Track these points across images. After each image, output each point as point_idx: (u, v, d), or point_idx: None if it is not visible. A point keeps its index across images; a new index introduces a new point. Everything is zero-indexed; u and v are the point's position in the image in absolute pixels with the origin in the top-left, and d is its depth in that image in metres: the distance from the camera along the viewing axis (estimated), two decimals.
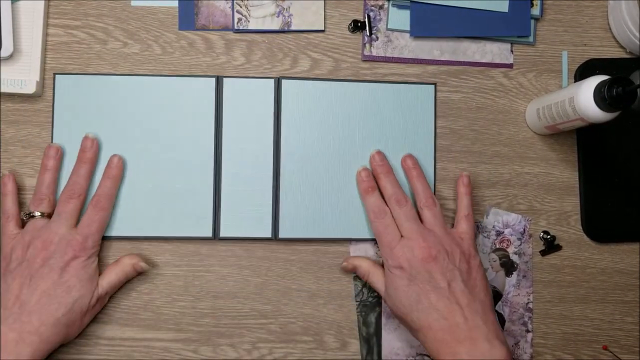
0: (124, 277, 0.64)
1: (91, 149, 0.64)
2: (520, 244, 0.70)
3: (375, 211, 0.64)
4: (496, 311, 0.69)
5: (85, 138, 0.64)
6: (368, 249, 0.69)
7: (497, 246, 0.70)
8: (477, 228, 0.70)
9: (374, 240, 0.68)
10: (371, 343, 0.68)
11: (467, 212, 0.65)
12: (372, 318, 0.68)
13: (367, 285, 0.68)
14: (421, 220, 0.64)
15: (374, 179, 0.66)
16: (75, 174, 0.63)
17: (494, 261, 0.70)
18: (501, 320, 0.70)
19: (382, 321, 0.68)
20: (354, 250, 0.69)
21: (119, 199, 0.66)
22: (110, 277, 0.63)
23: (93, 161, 0.64)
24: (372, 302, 0.68)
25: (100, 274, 0.63)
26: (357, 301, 0.68)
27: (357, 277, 0.68)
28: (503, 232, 0.70)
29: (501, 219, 0.70)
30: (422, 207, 0.64)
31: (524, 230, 0.70)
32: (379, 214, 0.64)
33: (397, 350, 0.68)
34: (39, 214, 0.61)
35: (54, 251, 0.59)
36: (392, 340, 0.68)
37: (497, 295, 0.70)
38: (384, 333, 0.68)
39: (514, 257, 0.70)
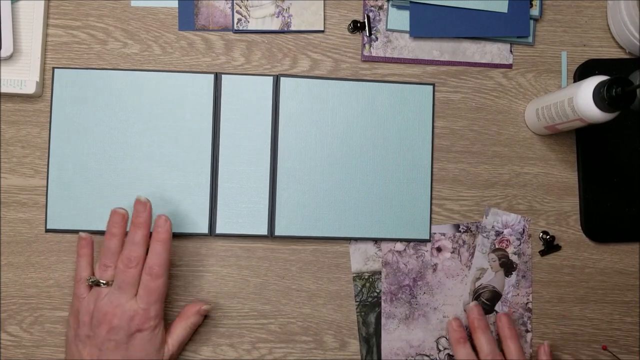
0: (192, 328, 0.64)
1: (144, 212, 0.61)
2: (520, 244, 0.70)
3: None
4: (495, 311, 0.69)
5: (138, 202, 0.61)
6: (368, 249, 0.69)
7: (497, 246, 0.70)
8: (477, 228, 0.70)
9: (373, 240, 0.69)
10: (371, 343, 0.68)
11: None
12: (371, 318, 0.68)
13: (366, 286, 0.68)
14: None
15: (465, 330, 0.67)
16: (130, 241, 0.60)
17: (493, 261, 0.70)
18: None
19: (382, 321, 0.68)
20: (354, 250, 0.69)
21: (115, 193, 0.66)
22: (179, 334, 0.63)
23: (148, 224, 0.61)
24: (371, 302, 0.68)
25: (166, 329, 0.63)
26: (356, 301, 0.69)
27: (356, 277, 0.69)
28: (502, 232, 0.70)
29: (500, 219, 0.70)
30: None
31: (524, 230, 0.71)
32: None
33: (397, 351, 0.68)
34: (104, 282, 0.60)
35: (118, 326, 0.58)
36: (392, 340, 0.68)
37: (496, 295, 0.70)
38: (383, 333, 0.68)
39: (514, 257, 0.70)
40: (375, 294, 0.68)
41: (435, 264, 0.69)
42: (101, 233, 0.66)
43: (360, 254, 0.69)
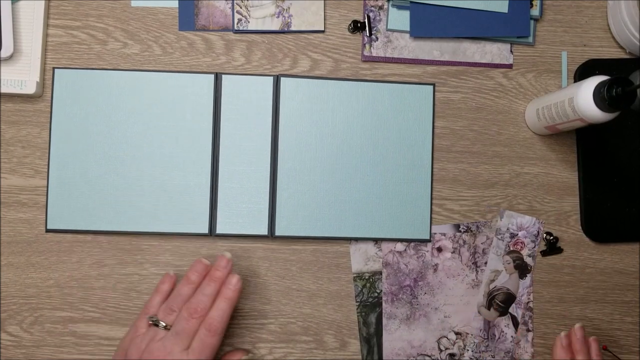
0: None
1: (224, 269, 0.61)
2: (534, 247, 0.70)
3: None
4: (509, 313, 0.69)
5: (222, 257, 0.61)
6: (368, 249, 0.69)
7: (512, 248, 0.70)
8: (477, 228, 0.70)
9: (373, 240, 0.69)
10: (371, 343, 0.68)
11: None
12: (372, 318, 0.68)
13: (367, 286, 0.68)
14: None
15: (570, 349, 0.66)
16: (201, 292, 0.60)
17: (508, 263, 0.70)
18: (515, 322, 0.70)
19: (383, 322, 0.68)
20: (354, 250, 0.69)
21: (115, 193, 0.66)
22: None
23: (223, 281, 0.60)
24: (372, 303, 0.68)
25: None
26: (357, 302, 0.68)
27: (357, 278, 0.69)
28: (517, 234, 0.70)
29: (515, 221, 0.70)
30: None
31: (538, 232, 0.70)
32: None
33: (398, 351, 0.68)
34: (163, 325, 0.59)
35: None
36: (393, 341, 0.68)
37: (510, 298, 0.70)
38: (384, 333, 0.68)
39: (528, 260, 0.70)
40: (376, 294, 0.68)
41: (436, 264, 0.69)
42: (101, 233, 0.66)
43: (360, 254, 0.69)
